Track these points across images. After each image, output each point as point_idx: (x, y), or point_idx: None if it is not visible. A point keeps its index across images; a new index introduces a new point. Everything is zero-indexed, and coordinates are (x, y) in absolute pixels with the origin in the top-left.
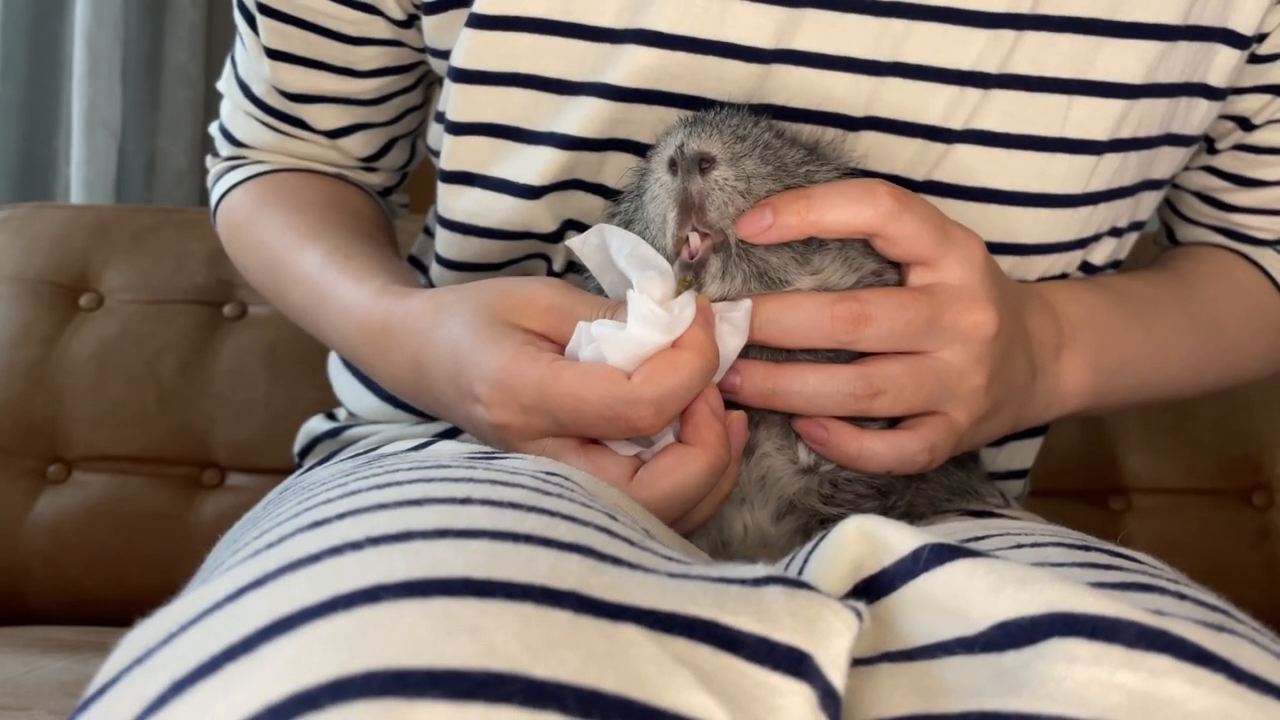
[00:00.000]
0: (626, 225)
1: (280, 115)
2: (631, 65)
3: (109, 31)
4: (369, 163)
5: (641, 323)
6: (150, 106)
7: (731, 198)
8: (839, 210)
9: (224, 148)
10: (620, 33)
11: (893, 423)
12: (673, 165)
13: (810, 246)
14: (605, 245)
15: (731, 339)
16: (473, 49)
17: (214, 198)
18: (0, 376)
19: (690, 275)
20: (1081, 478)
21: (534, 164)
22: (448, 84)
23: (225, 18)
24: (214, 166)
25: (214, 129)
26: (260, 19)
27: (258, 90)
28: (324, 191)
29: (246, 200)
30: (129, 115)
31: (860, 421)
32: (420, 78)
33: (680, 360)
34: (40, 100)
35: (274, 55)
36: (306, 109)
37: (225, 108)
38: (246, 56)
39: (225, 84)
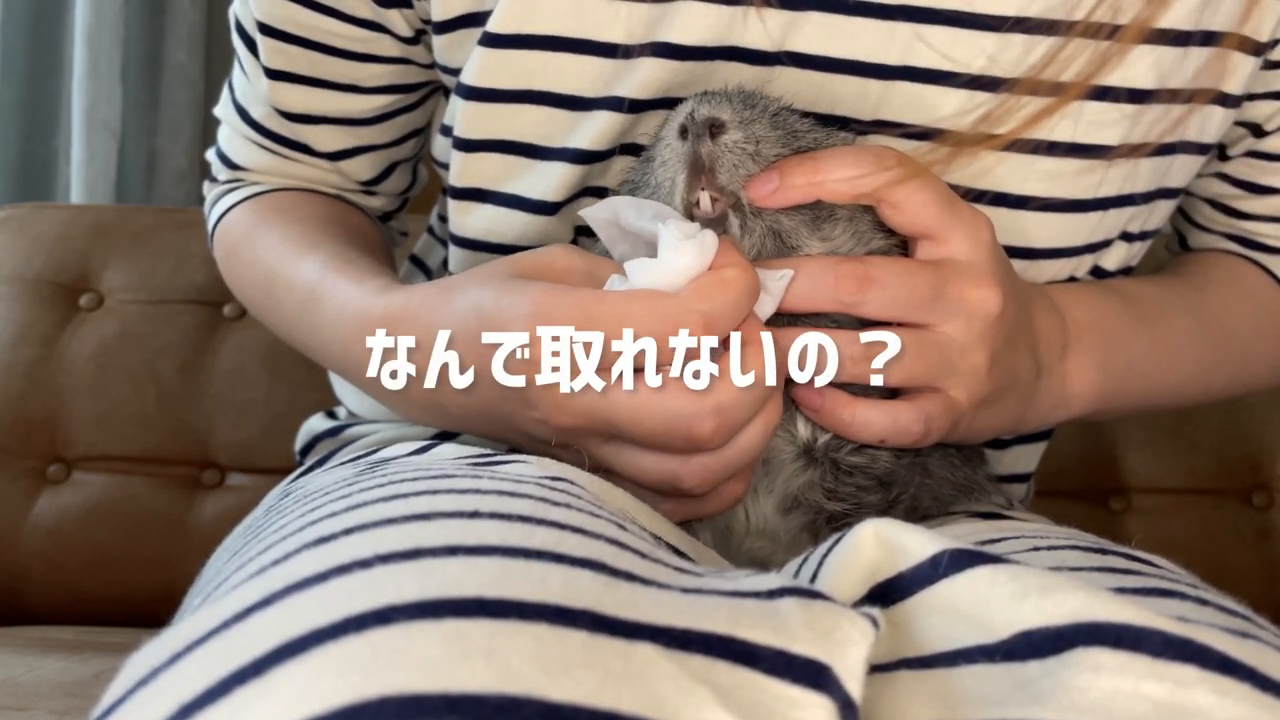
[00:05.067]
0: (633, 193)
1: (280, 139)
2: (644, 78)
3: (109, 31)
4: (369, 186)
5: (673, 250)
6: (150, 106)
7: (741, 160)
8: (845, 171)
9: (221, 172)
10: (633, 47)
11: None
12: (683, 131)
13: (820, 215)
14: (616, 218)
15: (765, 304)
16: (485, 67)
17: (211, 221)
18: (0, 376)
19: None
20: (1081, 478)
21: (548, 180)
22: (455, 100)
23: (225, 18)
24: (210, 192)
25: (210, 155)
26: (262, 40)
27: (256, 114)
28: (323, 209)
29: (244, 219)
30: (129, 115)
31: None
32: (424, 98)
33: (727, 275)
34: (40, 100)
35: (276, 75)
36: (308, 130)
37: (223, 133)
38: (244, 81)
39: (222, 109)
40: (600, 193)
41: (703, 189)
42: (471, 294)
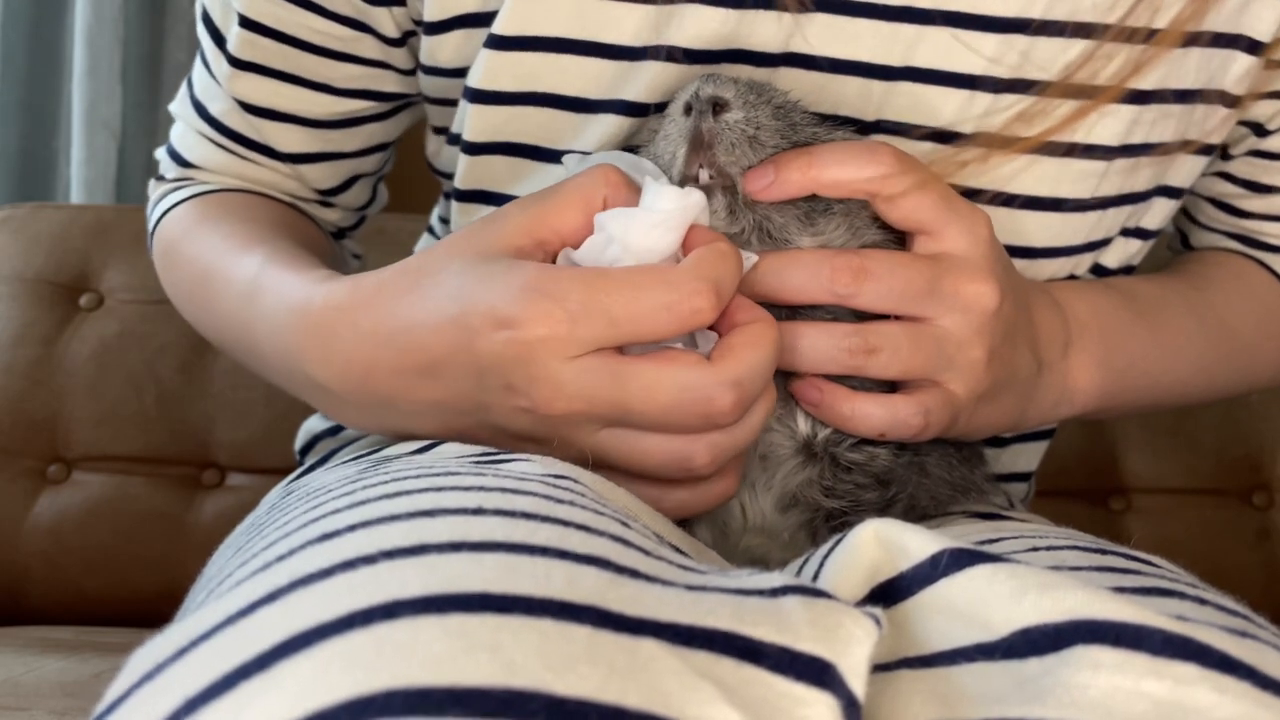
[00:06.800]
0: None
1: (239, 138)
2: (650, 81)
3: (109, 31)
4: (327, 196)
5: (655, 195)
6: (150, 106)
7: (740, 141)
8: (840, 167)
9: (170, 169)
10: (640, 50)
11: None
12: (688, 108)
13: (815, 209)
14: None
15: None
16: (490, 69)
17: (152, 220)
18: (0, 376)
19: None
20: (1081, 478)
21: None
22: (463, 104)
23: None
24: (155, 190)
25: (160, 152)
26: (240, 33)
27: (215, 110)
28: (274, 212)
29: (187, 215)
30: (129, 115)
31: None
32: (396, 110)
33: (724, 247)
34: (40, 100)
35: (244, 66)
36: (270, 128)
37: (176, 130)
38: (206, 76)
39: (178, 105)
40: None
41: (701, 166)
42: (448, 281)
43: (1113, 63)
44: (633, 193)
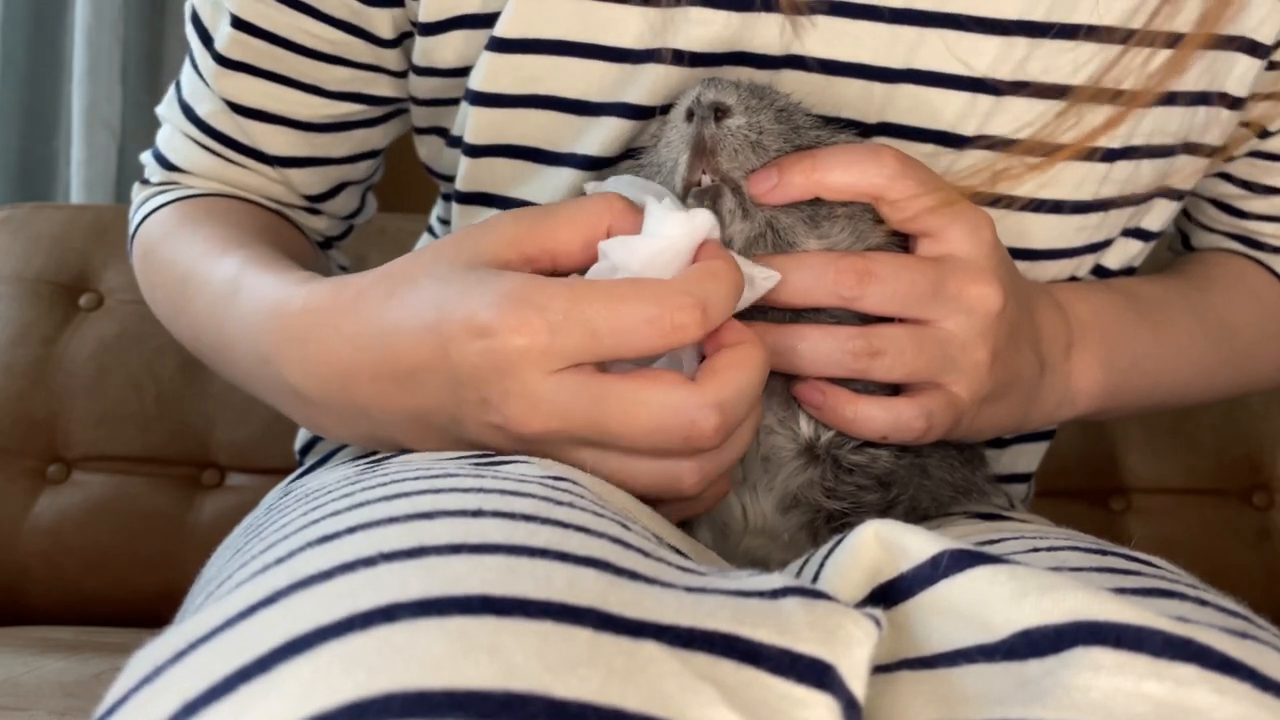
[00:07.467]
0: (637, 174)
1: (226, 140)
2: (652, 84)
3: (109, 31)
4: (315, 203)
5: (659, 221)
6: (150, 106)
7: (743, 146)
8: (843, 170)
9: (155, 173)
10: (642, 53)
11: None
12: (689, 114)
13: (820, 212)
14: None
15: (744, 298)
16: (492, 72)
17: (133, 224)
18: (0, 376)
19: (708, 203)
20: (1081, 478)
21: (556, 185)
22: (465, 106)
23: None
24: (138, 194)
25: (145, 156)
26: (228, 32)
27: (202, 111)
28: (259, 218)
29: (168, 219)
30: (129, 115)
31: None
32: (388, 116)
33: (715, 266)
34: (40, 100)
35: (231, 65)
36: (259, 129)
37: (162, 134)
38: (194, 77)
39: (165, 108)
40: None
41: (704, 172)
42: (429, 288)
43: (1127, 74)
44: (639, 219)
